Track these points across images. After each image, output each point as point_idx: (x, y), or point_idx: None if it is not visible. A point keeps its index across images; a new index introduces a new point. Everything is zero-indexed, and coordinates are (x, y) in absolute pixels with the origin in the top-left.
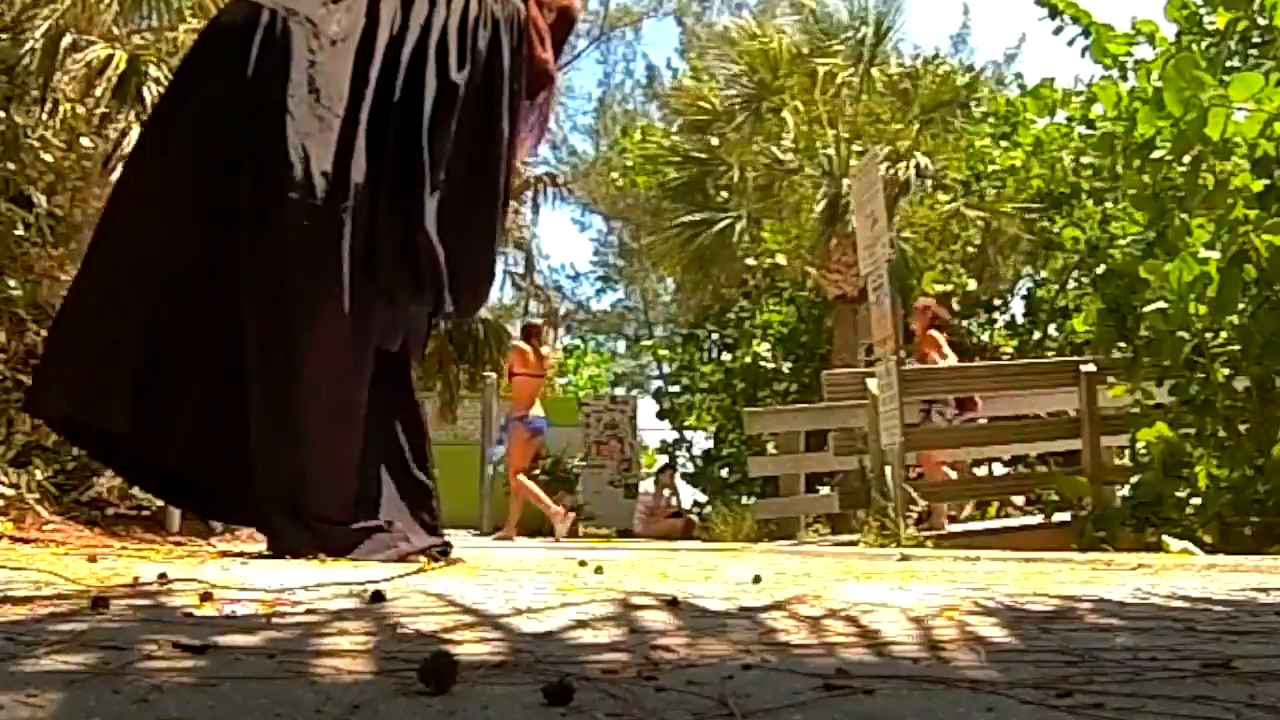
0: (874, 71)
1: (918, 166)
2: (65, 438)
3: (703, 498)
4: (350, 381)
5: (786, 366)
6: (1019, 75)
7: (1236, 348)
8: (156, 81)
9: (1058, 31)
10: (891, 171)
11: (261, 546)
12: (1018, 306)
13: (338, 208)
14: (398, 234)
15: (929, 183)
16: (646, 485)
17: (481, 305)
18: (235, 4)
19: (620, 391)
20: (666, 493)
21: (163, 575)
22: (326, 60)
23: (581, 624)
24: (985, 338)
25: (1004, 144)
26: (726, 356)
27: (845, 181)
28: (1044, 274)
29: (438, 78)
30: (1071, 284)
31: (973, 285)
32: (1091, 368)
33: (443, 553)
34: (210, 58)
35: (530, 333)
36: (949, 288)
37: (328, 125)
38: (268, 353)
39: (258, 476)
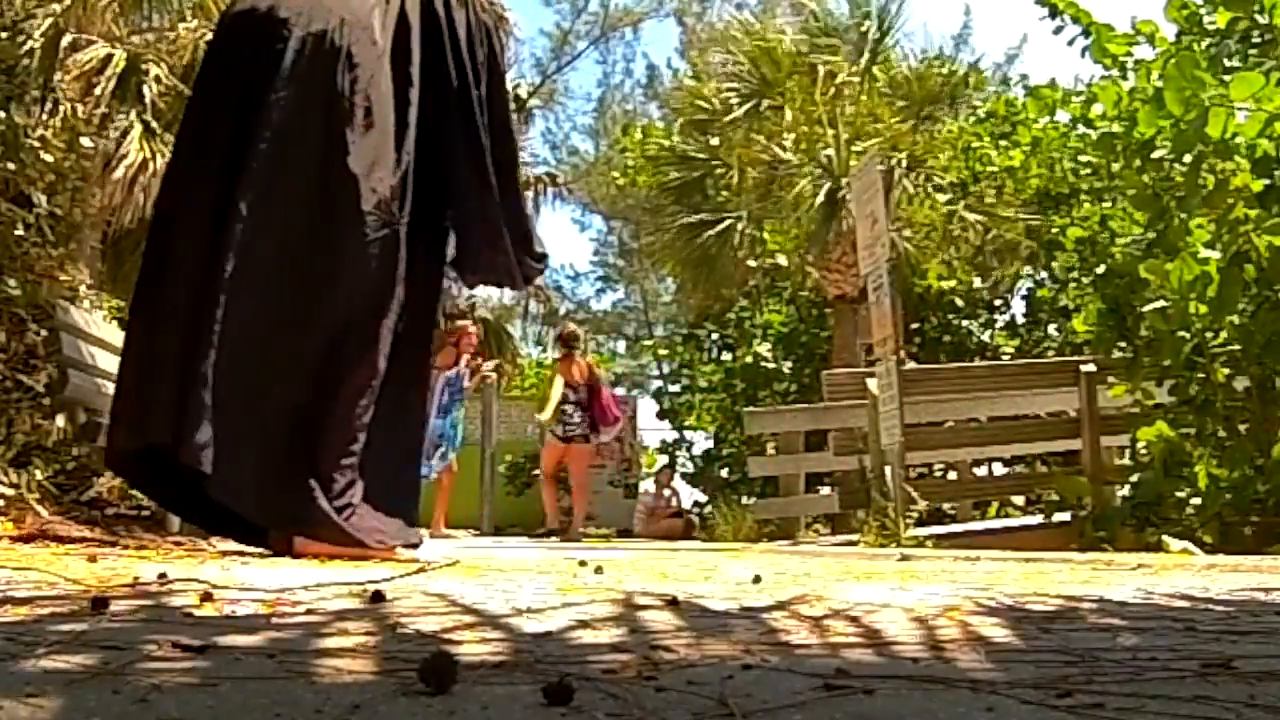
0: (875, 70)
1: (913, 167)
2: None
3: (703, 498)
4: (373, 387)
5: (786, 366)
6: (1024, 76)
7: (1236, 348)
8: (157, 80)
9: (1058, 31)
10: (888, 170)
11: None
12: (1018, 306)
13: (397, 225)
14: (477, 236)
15: (928, 184)
16: (646, 485)
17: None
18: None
19: (620, 391)
20: (666, 493)
21: (163, 575)
22: (377, 71)
23: (582, 624)
24: (985, 338)
25: (1003, 144)
26: (726, 356)
27: (845, 181)
28: (1045, 273)
29: (467, 90)
30: (1071, 284)
31: (977, 283)
32: (1091, 368)
33: (413, 545)
34: (272, 64)
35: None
36: (952, 284)
37: (384, 138)
38: (323, 362)
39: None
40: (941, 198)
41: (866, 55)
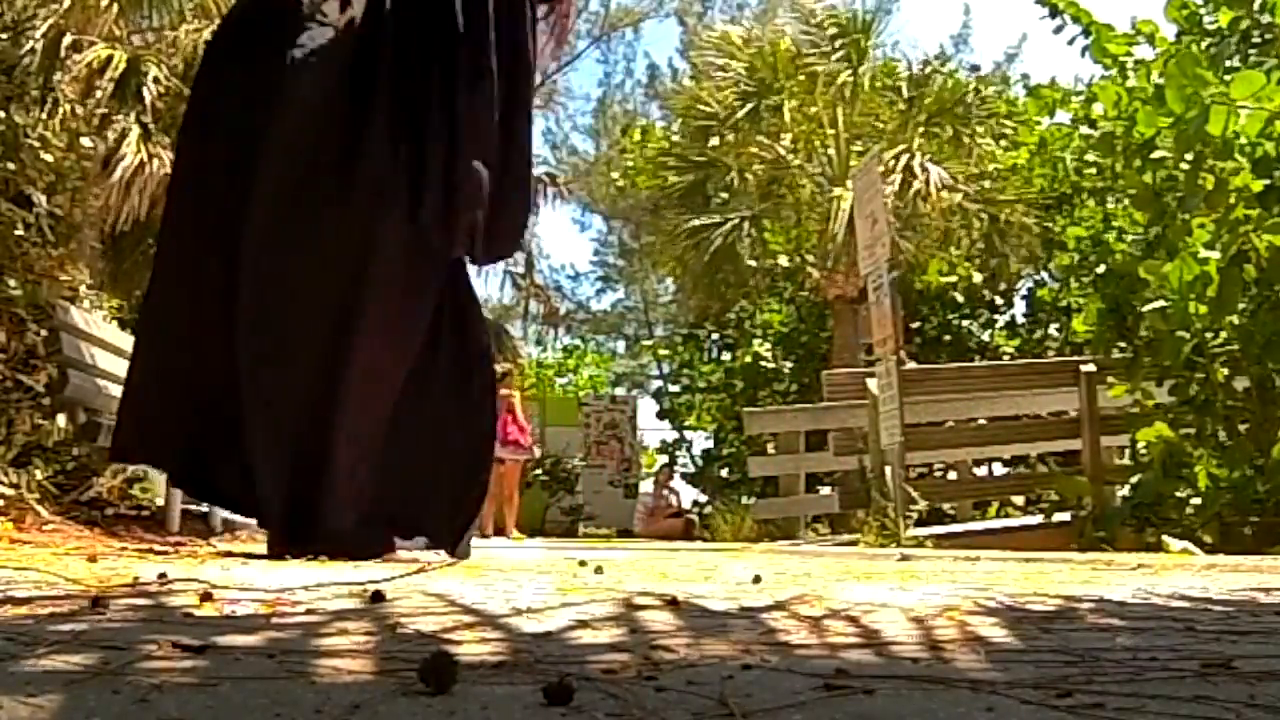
0: (871, 72)
1: (940, 180)
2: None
3: (703, 498)
4: (394, 384)
5: (786, 366)
6: (1025, 76)
7: (1236, 348)
8: (156, 81)
9: (1058, 31)
10: (893, 177)
11: (261, 547)
12: (1019, 306)
13: (368, 204)
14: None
15: (932, 185)
16: (646, 485)
17: (512, 247)
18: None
19: (620, 391)
20: (666, 493)
21: (163, 575)
22: (335, 44)
23: (581, 624)
24: (985, 337)
25: (1004, 143)
26: (726, 356)
27: (847, 181)
28: (1047, 272)
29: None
30: (1072, 283)
31: (978, 278)
32: (1091, 368)
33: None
34: (237, 62)
35: None
36: (953, 279)
37: (339, 115)
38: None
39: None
40: (945, 196)
41: (853, 56)
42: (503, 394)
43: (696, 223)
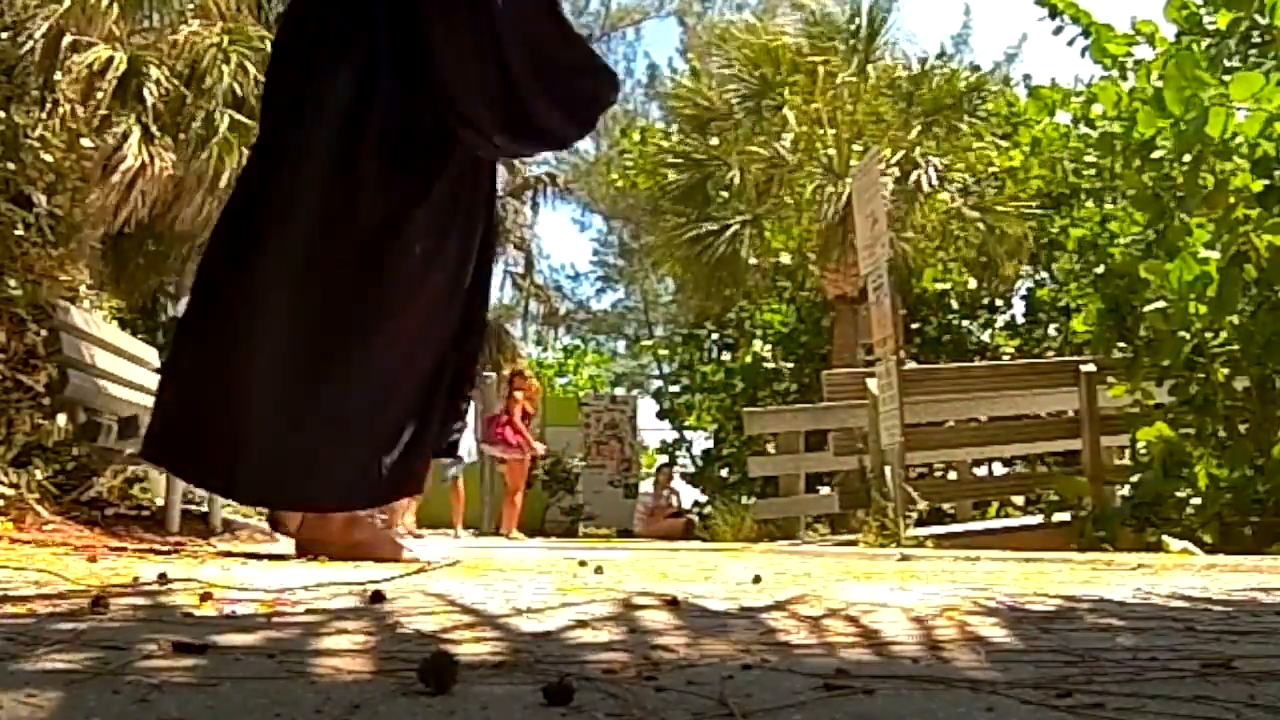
0: (873, 70)
1: (936, 169)
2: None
3: (703, 498)
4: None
5: (786, 366)
6: (1028, 76)
7: (1236, 348)
8: (157, 83)
9: (1058, 32)
10: (893, 172)
11: (260, 547)
12: (1019, 306)
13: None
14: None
15: (931, 184)
16: (646, 485)
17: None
18: None
19: (620, 391)
20: (666, 493)
21: (163, 575)
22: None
23: (581, 624)
24: (985, 338)
25: (1004, 144)
26: (726, 356)
27: (847, 180)
28: (1047, 273)
29: None
30: (1072, 283)
31: (972, 284)
32: (1091, 368)
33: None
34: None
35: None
36: (948, 285)
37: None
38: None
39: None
40: (944, 196)
41: (859, 55)
42: (514, 396)
43: (698, 232)
